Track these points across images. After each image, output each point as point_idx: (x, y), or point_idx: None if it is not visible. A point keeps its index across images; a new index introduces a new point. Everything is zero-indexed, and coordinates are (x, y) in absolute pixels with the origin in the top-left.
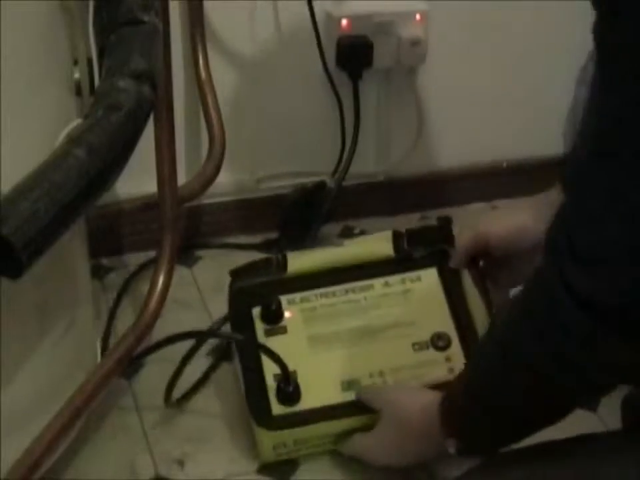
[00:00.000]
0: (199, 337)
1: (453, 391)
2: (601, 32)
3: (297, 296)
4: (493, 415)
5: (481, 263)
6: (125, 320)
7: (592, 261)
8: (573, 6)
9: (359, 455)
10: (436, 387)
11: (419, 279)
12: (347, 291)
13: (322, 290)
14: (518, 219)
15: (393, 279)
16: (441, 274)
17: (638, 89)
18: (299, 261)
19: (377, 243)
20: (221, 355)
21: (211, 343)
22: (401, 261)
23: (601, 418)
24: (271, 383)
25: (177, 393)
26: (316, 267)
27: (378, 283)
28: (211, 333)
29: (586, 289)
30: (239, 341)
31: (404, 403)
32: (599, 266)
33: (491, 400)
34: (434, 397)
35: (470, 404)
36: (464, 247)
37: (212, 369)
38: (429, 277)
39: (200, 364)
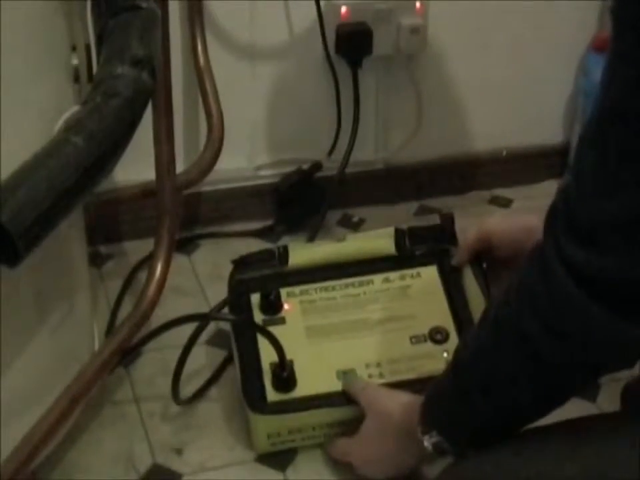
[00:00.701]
0: (197, 320)
1: (438, 380)
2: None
3: (297, 289)
4: (481, 397)
5: (484, 264)
6: (127, 308)
7: (589, 235)
8: None
9: (342, 458)
10: (432, 378)
11: (418, 275)
12: (346, 285)
13: (322, 284)
14: (523, 220)
15: (393, 274)
16: (441, 271)
17: None
18: (300, 254)
19: (378, 240)
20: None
21: (210, 331)
22: (402, 259)
23: (600, 408)
24: (267, 370)
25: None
26: (317, 261)
27: (378, 278)
28: (209, 316)
29: (582, 263)
30: (237, 326)
31: (386, 401)
32: (596, 240)
33: (480, 381)
34: (416, 397)
35: (458, 388)
36: (467, 246)
37: (223, 367)
38: (429, 274)
39: (200, 352)
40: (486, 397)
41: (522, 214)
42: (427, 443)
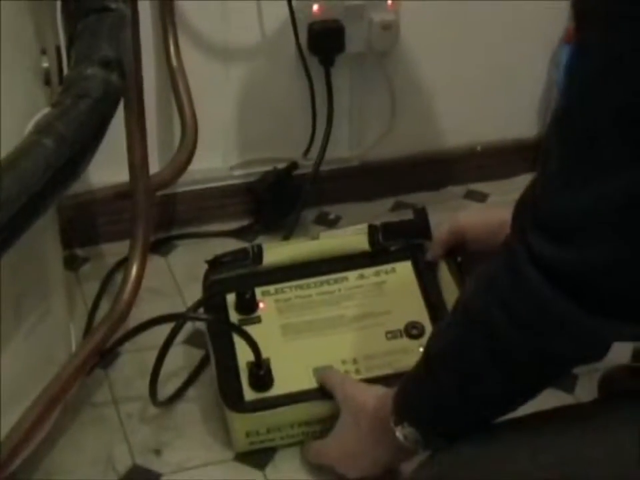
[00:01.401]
0: (173, 320)
1: (411, 371)
2: None
3: (272, 287)
4: (451, 389)
5: (459, 259)
6: (104, 310)
7: (554, 228)
8: None
9: (318, 460)
10: None
11: (393, 270)
12: (321, 283)
13: (296, 282)
14: (495, 214)
15: (368, 271)
16: (416, 266)
17: (607, 47)
18: (274, 253)
19: (352, 237)
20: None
21: (187, 331)
22: (376, 255)
23: (578, 399)
24: (243, 369)
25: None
26: (291, 259)
27: (352, 275)
28: (185, 316)
29: (548, 256)
30: (212, 326)
31: (361, 394)
32: (561, 233)
33: (450, 372)
34: (391, 389)
35: (428, 379)
36: (441, 240)
37: (200, 367)
38: (404, 269)
39: (177, 352)
40: (456, 389)
41: (495, 208)
42: (399, 433)
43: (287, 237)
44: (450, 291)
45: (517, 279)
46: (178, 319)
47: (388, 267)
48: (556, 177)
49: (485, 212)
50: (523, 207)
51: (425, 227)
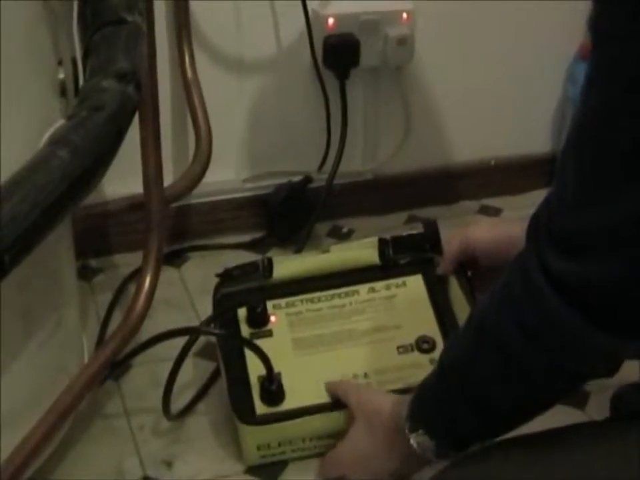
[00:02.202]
0: (186, 334)
1: (426, 379)
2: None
3: (283, 301)
4: (463, 400)
5: (469, 273)
6: (117, 322)
7: (568, 244)
8: (560, 5)
9: (333, 471)
10: None
11: (404, 284)
12: (332, 297)
13: (307, 295)
14: (505, 229)
15: (378, 284)
16: (426, 280)
17: (622, 74)
18: (285, 267)
19: (362, 250)
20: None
21: (198, 343)
22: (386, 268)
23: (589, 416)
24: (255, 383)
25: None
26: (301, 272)
27: (363, 288)
28: (198, 330)
29: (561, 272)
30: (224, 340)
31: (376, 399)
32: (574, 249)
33: (462, 384)
34: (406, 396)
35: (442, 389)
36: (451, 255)
37: (211, 380)
38: (414, 283)
39: (188, 364)
40: (468, 400)
41: (505, 223)
42: (413, 440)
43: (299, 250)
44: (460, 306)
45: (529, 292)
46: (191, 333)
47: (399, 280)
48: (571, 194)
49: (494, 227)
50: (537, 221)
51: (436, 241)
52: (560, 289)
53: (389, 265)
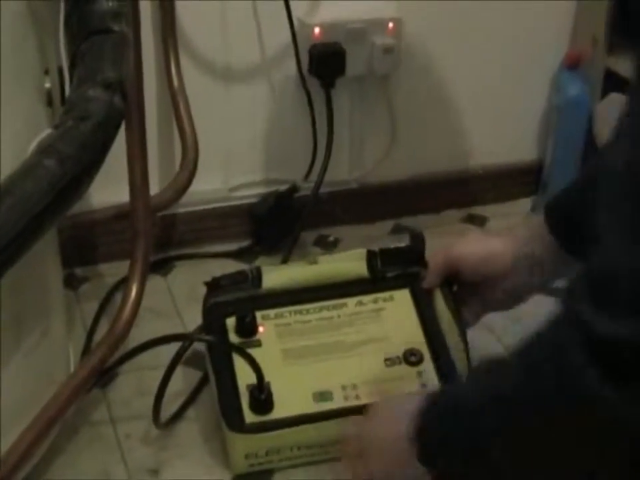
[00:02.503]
0: (175, 340)
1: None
2: None
3: (272, 312)
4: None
5: (455, 288)
6: (103, 331)
7: (627, 301)
8: (547, 15)
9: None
10: None
11: (391, 298)
12: (320, 309)
13: (296, 307)
14: (488, 244)
15: (366, 298)
16: (413, 294)
17: None
18: (274, 277)
19: (351, 262)
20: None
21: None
22: (375, 281)
23: None
24: (244, 392)
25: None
26: (291, 283)
27: (351, 301)
28: (189, 336)
29: (603, 332)
30: (213, 348)
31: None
32: (620, 303)
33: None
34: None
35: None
36: (436, 269)
37: (199, 388)
38: (402, 297)
39: (175, 373)
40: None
41: (487, 237)
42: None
43: (285, 259)
44: (445, 320)
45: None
46: (183, 340)
47: (386, 294)
48: (627, 237)
49: (478, 242)
50: (574, 293)
51: (422, 252)
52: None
53: (377, 278)
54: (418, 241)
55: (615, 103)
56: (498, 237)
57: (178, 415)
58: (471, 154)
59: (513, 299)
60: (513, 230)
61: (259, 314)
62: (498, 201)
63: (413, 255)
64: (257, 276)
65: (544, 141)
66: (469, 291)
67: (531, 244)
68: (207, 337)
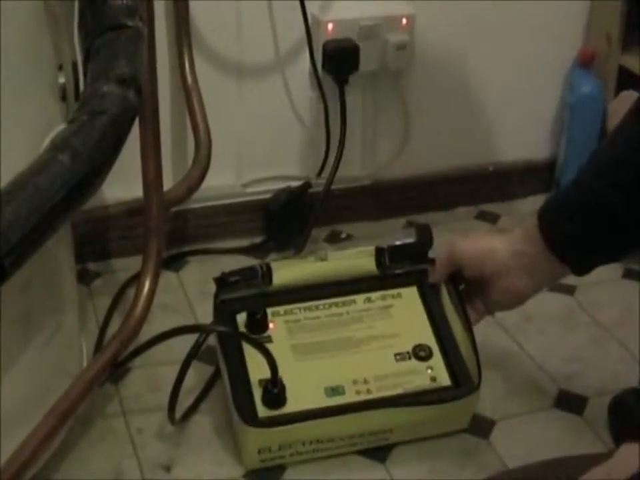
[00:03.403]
0: (191, 332)
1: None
2: None
3: (281, 308)
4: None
5: (462, 287)
6: (116, 326)
7: None
8: (561, 12)
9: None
10: (419, 393)
11: (399, 295)
12: (330, 305)
13: (306, 303)
14: (486, 242)
15: (375, 295)
16: (421, 291)
17: None
18: (284, 274)
19: (360, 259)
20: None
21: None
22: (383, 278)
23: (587, 421)
24: (256, 387)
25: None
26: (300, 280)
27: (360, 298)
28: (205, 328)
29: None
30: (225, 343)
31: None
32: None
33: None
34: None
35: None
36: (441, 265)
37: (211, 384)
38: (409, 294)
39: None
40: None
41: (487, 236)
42: None
43: (297, 254)
44: (451, 315)
45: None
46: (198, 331)
47: (394, 291)
48: None
49: (478, 240)
50: None
51: (430, 245)
52: None
53: (385, 275)
54: (425, 234)
55: (629, 100)
56: (498, 236)
57: (191, 411)
58: (483, 151)
59: (514, 298)
60: (513, 229)
61: (269, 310)
62: (510, 198)
63: (421, 252)
64: (267, 272)
65: (557, 139)
66: (472, 290)
67: (525, 243)
68: (224, 328)
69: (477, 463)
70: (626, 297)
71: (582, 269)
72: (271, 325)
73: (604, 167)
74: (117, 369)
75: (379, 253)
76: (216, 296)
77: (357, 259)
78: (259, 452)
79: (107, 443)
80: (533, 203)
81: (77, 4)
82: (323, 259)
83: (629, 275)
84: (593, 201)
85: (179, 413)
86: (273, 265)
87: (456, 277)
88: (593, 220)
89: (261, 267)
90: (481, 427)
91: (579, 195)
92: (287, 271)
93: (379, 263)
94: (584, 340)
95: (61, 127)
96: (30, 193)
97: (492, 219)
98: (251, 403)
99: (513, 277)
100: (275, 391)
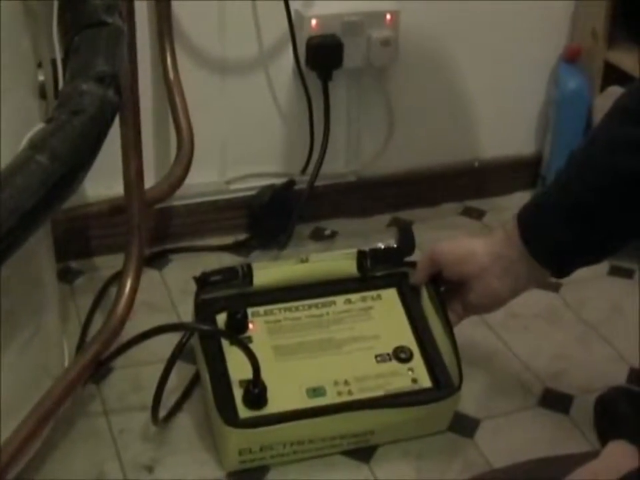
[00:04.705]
0: (177, 330)
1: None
2: None
3: (262, 309)
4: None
5: (442, 288)
6: (98, 324)
7: None
8: (546, 8)
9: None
10: (400, 395)
11: (379, 297)
12: (309, 306)
13: (286, 304)
14: (467, 244)
15: (354, 296)
16: (401, 293)
17: None
18: (265, 274)
19: (341, 261)
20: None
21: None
22: (363, 280)
23: (573, 420)
24: (237, 388)
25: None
26: (281, 281)
27: (340, 299)
28: (185, 326)
29: None
30: (207, 341)
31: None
32: None
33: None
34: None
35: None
36: (422, 266)
37: (192, 384)
38: (389, 296)
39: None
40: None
41: (469, 239)
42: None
43: (281, 249)
44: (432, 317)
45: None
46: (181, 329)
47: (374, 293)
48: None
49: (458, 242)
50: None
51: (411, 253)
52: None
53: (366, 277)
54: (406, 235)
55: (615, 96)
56: (479, 238)
57: (174, 411)
58: (469, 147)
59: (493, 301)
60: (493, 231)
61: (249, 311)
62: (495, 194)
63: (403, 255)
64: (248, 273)
65: (543, 134)
66: (452, 292)
67: (505, 246)
68: (208, 327)
69: (462, 462)
70: (612, 294)
71: (561, 272)
72: (250, 326)
73: (584, 169)
74: (99, 369)
75: (361, 255)
76: (196, 295)
77: (338, 260)
78: (240, 453)
79: (89, 444)
80: (519, 199)
81: (55, 1)
82: (304, 261)
83: (614, 272)
84: (572, 205)
85: (161, 413)
86: (254, 266)
87: (437, 279)
88: (572, 224)
89: (242, 267)
90: (465, 426)
91: (558, 198)
92: (268, 272)
93: (360, 265)
94: (569, 338)
95: (40, 126)
96: (8, 193)
97: (477, 215)
98: (232, 403)
99: (492, 279)
100: (256, 392)
